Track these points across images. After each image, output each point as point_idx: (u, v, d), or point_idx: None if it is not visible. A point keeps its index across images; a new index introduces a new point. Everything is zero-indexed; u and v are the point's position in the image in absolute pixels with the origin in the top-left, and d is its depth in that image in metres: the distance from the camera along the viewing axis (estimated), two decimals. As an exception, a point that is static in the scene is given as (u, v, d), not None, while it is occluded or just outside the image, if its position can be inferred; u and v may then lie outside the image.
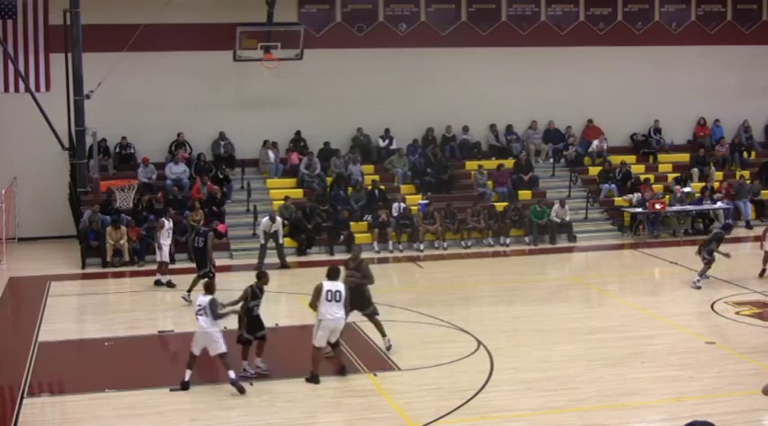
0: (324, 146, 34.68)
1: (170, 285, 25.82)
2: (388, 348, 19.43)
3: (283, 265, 28.88)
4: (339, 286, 17.86)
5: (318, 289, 17.75)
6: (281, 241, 29.01)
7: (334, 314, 17.70)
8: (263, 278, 18.42)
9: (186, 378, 17.50)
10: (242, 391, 17.17)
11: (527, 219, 32.24)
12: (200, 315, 17.32)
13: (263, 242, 28.84)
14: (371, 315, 19.49)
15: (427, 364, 18.75)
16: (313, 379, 17.70)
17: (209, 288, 17.81)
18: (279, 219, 29.16)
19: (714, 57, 37.96)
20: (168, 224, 26.41)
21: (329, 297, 17.68)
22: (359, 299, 19.06)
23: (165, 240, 26.13)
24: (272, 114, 34.59)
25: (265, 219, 29.03)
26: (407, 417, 15.98)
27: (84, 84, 25.59)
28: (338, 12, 35.50)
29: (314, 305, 17.77)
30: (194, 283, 23.54)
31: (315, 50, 33.35)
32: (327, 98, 34.89)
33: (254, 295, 18.16)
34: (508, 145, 36.36)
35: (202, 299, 17.49)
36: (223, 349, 17.26)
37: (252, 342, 18.29)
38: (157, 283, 26.03)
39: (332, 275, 17.87)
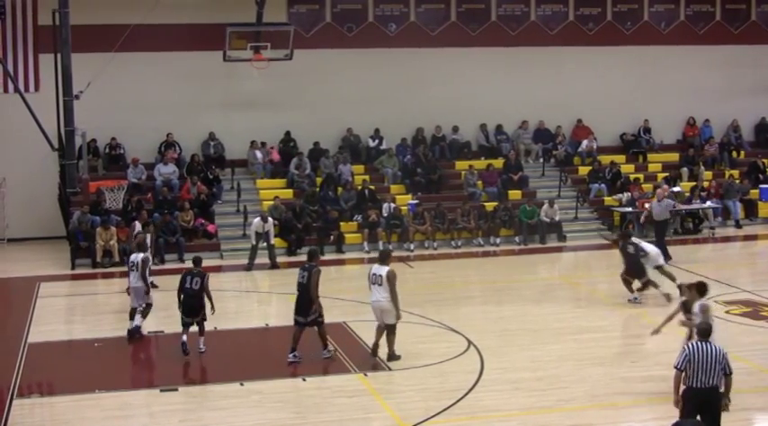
0: (313, 146, 34.67)
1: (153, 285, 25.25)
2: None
3: (273, 265, 28.88)
4: (382, 270, 18.43)
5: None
6: (271, 241, 29.01)
7: (374, 296, 18.50)
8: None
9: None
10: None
11: (517, 219, 32.29)
12: None
13: (254, 242, 28.84)
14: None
15: (417, 364, 18.76)
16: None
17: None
18: (270, 220, 29.17)
19: (703, 57, 38.04)
20: (139, 227, 26.02)
21: (372, 280, 18.55)
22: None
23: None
24: (261, 114, 34.57)
25: (257, 220, 29.04)
26: (397, 417, 15.99)
27: (74, 85, 25.52)
28: (328, 12, 35.50)
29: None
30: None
31: (304, 50, 33.35)
32: (317, 98, 34.89)
33: None
34: (498, 145, 36.39)
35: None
36: None
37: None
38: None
39: (381, 259, 18.82)
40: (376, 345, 18.95)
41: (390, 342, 18.85)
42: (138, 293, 20.98)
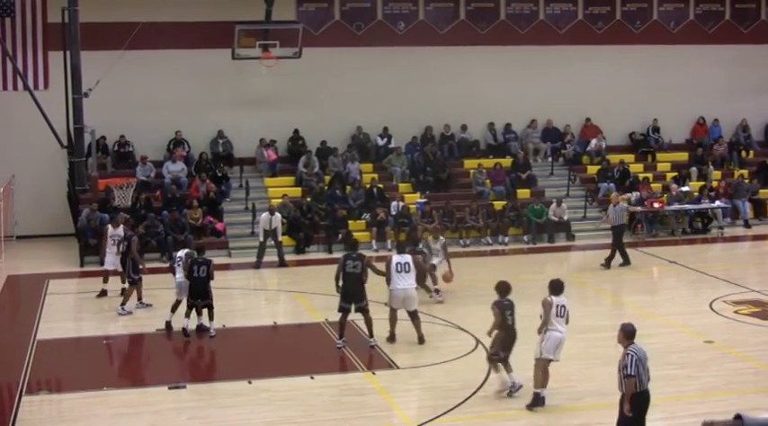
0: (322, 144, 34.67)
1: (102, 294, 24.65)
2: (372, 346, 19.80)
3: (282, 263, 28.87)
4: (407, 257, 19.79)
5: (388, 263, 19.81)
6: (279, 239, 29.00)
7: (404, 283, 19.51)
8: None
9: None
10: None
11: (525, 218, 32.26)
12: None
13: (262, 239, 28.82)
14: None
15: (425, 363, 18.77)
16: (391, 339, 19.92)
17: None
18: (278, 214, 29.14)
19: (712, 57, 37.98)
20: (113, 230, 24.73)
21: (399, 269, 19.56)
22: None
23: (110, 247, 24.55)
24: (270, 113, 34.58)
25: (264, 215, 29.03)
26: (405, 416, 16.00)
27: (83, 82, 25.65)
28: (336, 10, 35.51)
29: (387, 279, 19.43)
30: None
31: (313, 49, 33.36)
32: (326, 96, 34.90)
33: None
34: (506, 143, 36.37)
35: None
36: None
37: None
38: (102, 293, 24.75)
39: (400, 249, 19.98)
40: (392, 333, 19.99)
41: (417, 326, 19.94)
42: (183, 287, 21.16)
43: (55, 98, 30.01)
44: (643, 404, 13.16)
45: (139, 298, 23.45)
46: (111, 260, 24.47)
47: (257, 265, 28.69)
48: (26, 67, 32.57)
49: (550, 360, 16.08)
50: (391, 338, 20.01)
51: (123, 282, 24.02)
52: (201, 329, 20.91)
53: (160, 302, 22.90)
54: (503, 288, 17.00)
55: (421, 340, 19.90)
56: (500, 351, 16.75)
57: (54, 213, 32.82)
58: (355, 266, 19.58)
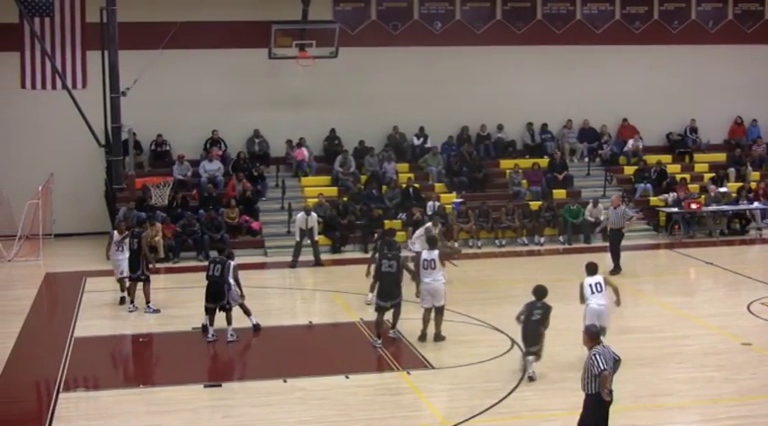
0: (358, 144, 34.70)
1: (123, 302, 23.78)
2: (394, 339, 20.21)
3: (318, 263, 28.90)
4: (434, 254, 20.07)
5: (416, 260, 20.85)
6: (315, 238, 29.03)
7: (429, 278, 19.94)
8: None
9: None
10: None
11: (561, 219, 32.15)
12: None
13: (298, 239, 28.83)
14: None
15: (461, 363, 18.74)
16: (422, 338, 20.15)
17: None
18: (314, 214, 29.16)
19: (751, 56, 37.68)
20: (118, 236, 23.92)
21: (425, 266, 20.05)
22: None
23: (115, 254, 23.85)
24: (306, 112, 34.67)
25: (300, 214, 29.06)
26: (441, 416, 15.98)
27: (120, 82, 25.82)
28: (373, 10, 35.53)
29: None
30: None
31: (349, 48, 33.39)
32: (362, 96, 34.92)
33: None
34: (543, 143, 36.27)
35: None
36: None
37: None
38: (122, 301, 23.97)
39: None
40: (424, 333, 20.12)
41: (438, 323, 20.06)
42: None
43: (93, 97, 30.21)
44: (605, 406, 13.08)
45: (142, 301, 23.21)
46: (124, 265, 23.46)
47: (293, 264, 28.73)
48: (65, 67, 32.79)
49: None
50: (422, 337, 20.10)
51: (123, 290, 23.74)
52: (256, 328, 21.07)
53: (200, 301, 22.91)
54: (537, 291, 18.03)
55: (437, 337, 20.07)
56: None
57: (92, 211, 33.01)
58: (391, 265, 19.87)
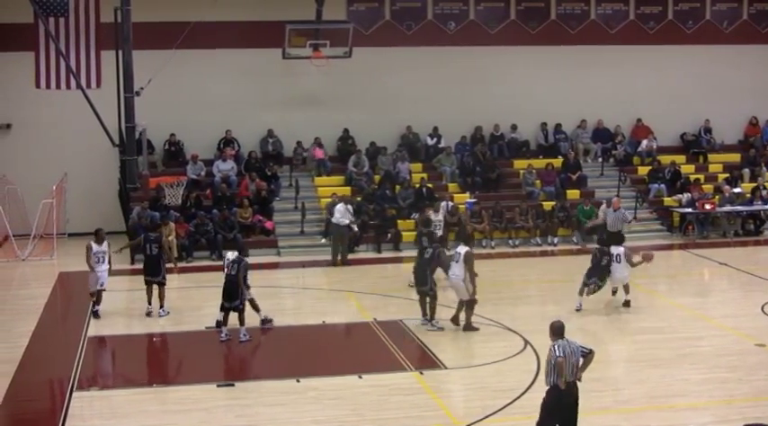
0: (371, 144, 34.71)
1: (96, 316, 22.96)
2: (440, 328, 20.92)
3: (338, 262, 28.89)
4: (461, 249, 20.66)
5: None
6: (356, 228, 29.76)
7: (449, 273, 20.79)
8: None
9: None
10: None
11: (575, 219, 32.10)
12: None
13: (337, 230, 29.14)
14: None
15: (474, 363, 18.74)
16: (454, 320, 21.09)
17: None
18: (350, 207, 29.48)
19: (766, 56, 37.55)
20: (97, 247, 22.89)
21: (453, 258, 20.78)
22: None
23: (95, 264, 22.78)
24: (320, 112, 34.67)
25: (340, 204, 29.15)
26: (453, 416, 15.96)
27: (135, 81, 25.82)
28: (387, 10, 35.52)
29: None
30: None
31: (363, 48, 33.36)
32: (375, 96, 34.91)
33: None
34: (556, 144, 36.21)
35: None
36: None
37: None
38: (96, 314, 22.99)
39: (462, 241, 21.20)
40: (456, 316, 21.03)
41: (468, 315, 20.73)
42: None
43: (107, 97, 30.20)
44: (562, 399, 13.17)
45: (155, 303, 23.00)
46: (104, 277, 22.86)
47: (346, 261, 29.03)
48: (79, 66, 32.90)
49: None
50: (455, 319, 21.04)
51: (98, 304, 22.91)
52: (265, 322, 21.42)
53: (213, 300, 22.91)
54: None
55: (465, 327, 20.77)
56: None
57: (105, 211, 33.01)
58: (426, 252, 21.30)
